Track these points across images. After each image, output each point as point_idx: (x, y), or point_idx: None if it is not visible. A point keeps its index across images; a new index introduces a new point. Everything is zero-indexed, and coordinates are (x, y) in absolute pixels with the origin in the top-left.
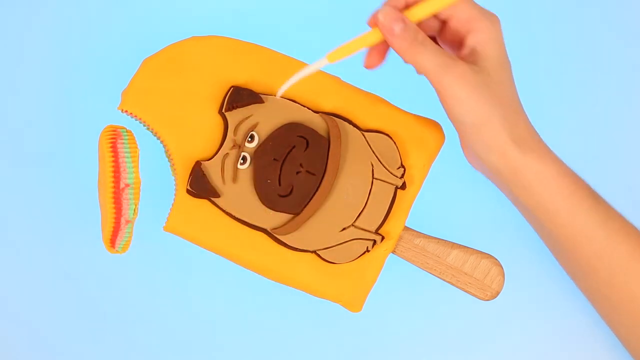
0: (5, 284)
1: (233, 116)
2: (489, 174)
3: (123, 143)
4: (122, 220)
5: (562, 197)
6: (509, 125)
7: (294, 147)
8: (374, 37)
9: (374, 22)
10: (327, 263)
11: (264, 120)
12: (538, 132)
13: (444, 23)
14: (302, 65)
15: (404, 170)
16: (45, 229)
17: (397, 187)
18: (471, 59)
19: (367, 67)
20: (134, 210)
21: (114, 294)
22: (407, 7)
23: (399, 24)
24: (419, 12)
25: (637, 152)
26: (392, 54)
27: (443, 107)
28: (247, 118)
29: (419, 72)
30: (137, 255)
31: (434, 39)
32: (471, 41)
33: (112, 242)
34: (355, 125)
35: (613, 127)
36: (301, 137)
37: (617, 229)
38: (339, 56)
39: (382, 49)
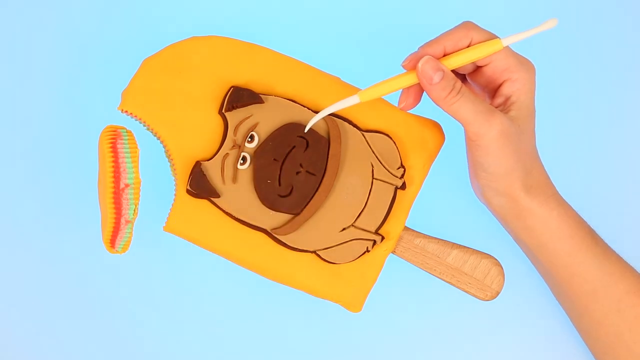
0: (5, 284)
1: (233, 116)
2: (493, 211)
3: (123, 143)
4: (122, 220)
5: (562, 239)
6: (524, 175)
7: (294, 147)
8: (410, 80)
9: (410, 66)
10: (327, 263)
11: (264, 121)
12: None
13: (479, 67)
14: (302, 65)
15: (404, 171)
16: (45, 229)
17: (397, 187)
18: (503, 107)
19: (403, 109)
20: (134, 210)
21: (113, 294)
22: (445, 54)
23: (439, 73)
24: (457, 61)
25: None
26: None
27: (468, 151)
28: (247, 118)
29: (455, 118)
30: (137, 255)
31: (464, 77)
32: (507, 90)
33: (112, 242)
34: (355, 126)
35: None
36: (301, 137)
37: (611, 271)
38: (371, 96)
39: (417, 90)
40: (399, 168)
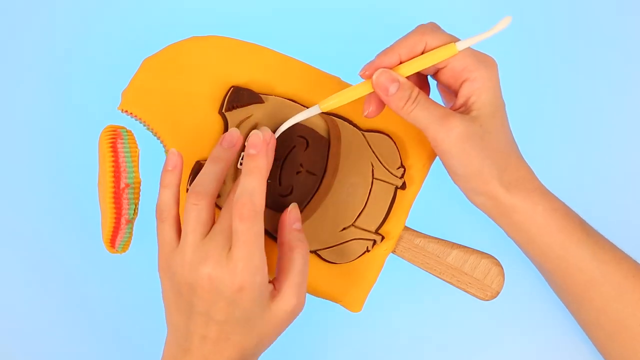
0: (5, 284)
1: (233, 116)
2: (480, 209)
3: (123, 143)
4: (122, 220)
5: (551, 232)
6: (498, 172)
7: (294, 147)
8: (367, 89)
9: (367, 75)
10: (327, 263)
11: (264, 121)
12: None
13: (439, 69)
14: (302, 65)
15: (404, 170)
16: (45, 229)
17: (397, 187)
18: (465, 108)
19: (367, 116)
20: (134, 210)
21: (114, 294)
22: (401, 62)
23: (394, 84)
24: (413, 68)
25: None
26: None
27: (439, 157)
28: (247, 118)
29: (415, 125)
30: (137, 255)
31: (426, 83)
32: (466, 90)
33: (112, 242)
34: (355, 125)
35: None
36: (301, 137)
37: (607, 259)
38: (331, 106)
39: (378, 98)
40: (399, 168)
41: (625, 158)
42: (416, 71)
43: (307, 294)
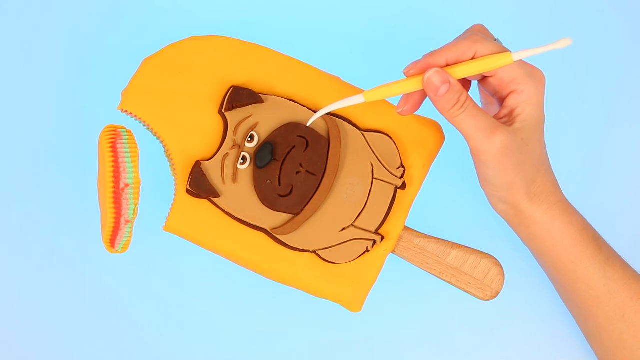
0: (5, 284)
1: (233, 116)
2: (500, 215)
3: (123, 143)
4: (122, 220)
5: (564, 246)
6: (527, 185)
7: (294, 147)
8: (415, 86)
9: (412, 73)
10: (327, 263)
11: (264, 120)
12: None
13: (486, 77)
14: (302, 65)
15: (404, 170)
16: (45, 229)
17: (397, 187)
18: (509, 119)
19: (400, 114)
20: (134, 210)
21: (113, 294)
22: (447, 64)
23: (445, 85)
24: (464, 71)
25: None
26: None
27: (474, 162)
28: (247, 118)
29: (458, 130)
30: (137, 255)
31: (468, 83)
32: (512, 102)
33: (112, 242)
34: (355, 125)
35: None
36: (301, 137)
37: (615, 278)
38: (376, 97)
39: (417, 98)
40: (398, 168)
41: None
42: (468, 75)
43: (306, 294)
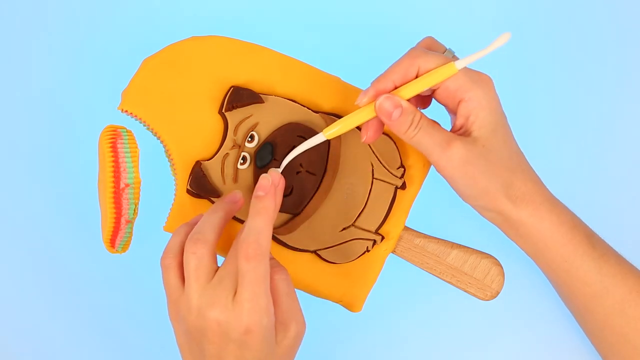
0: (5, 284)
1: (233, 116)
2: (489, 221)
3: (123, 143)
4: (122, 220)
5: (556, 246)
6: (504, 189)
7: (294, 147)
8: (370, 114)
9: (364, 103)
10: (327, 263)
11: (264, 120)
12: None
13: (434, 90)
14: (302, 65)
15: (404, 170)
16: (45, 229)
17: (397, 187)
18: (465, 129)
19: (366, 141)
20: (134, 210)
21: (113, 294)
22: (395, 87)
23: (397, 110)
24: (411, 90)
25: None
26: None
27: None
28: (247, 118)
29: (419, 149)
30: (137, 255)
31: (428, 98)
32: (464, 110)
33: (112, 242)
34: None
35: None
36: (301, 137)
37: (612, 273)
38: (335, 133)
39: (377, 123)
40: (399, 168)
41: (625, 159)
42: (417, 93)
43: (306, 294)
